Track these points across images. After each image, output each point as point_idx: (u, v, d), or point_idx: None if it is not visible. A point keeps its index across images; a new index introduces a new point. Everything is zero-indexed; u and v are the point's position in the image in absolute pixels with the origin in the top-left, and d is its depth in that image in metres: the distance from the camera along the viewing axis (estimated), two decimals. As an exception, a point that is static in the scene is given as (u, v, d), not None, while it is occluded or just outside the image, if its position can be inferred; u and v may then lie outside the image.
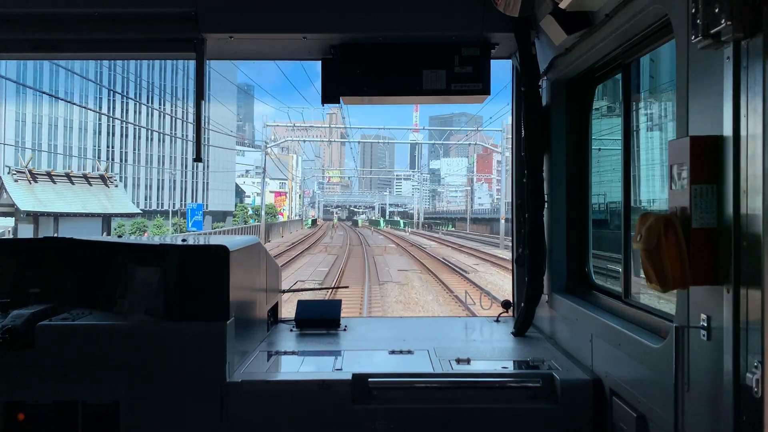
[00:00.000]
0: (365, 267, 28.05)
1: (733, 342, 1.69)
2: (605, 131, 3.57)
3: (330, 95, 3.78)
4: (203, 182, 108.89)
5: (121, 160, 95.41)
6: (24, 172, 34.16)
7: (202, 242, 3.42)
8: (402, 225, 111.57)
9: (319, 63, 3.87)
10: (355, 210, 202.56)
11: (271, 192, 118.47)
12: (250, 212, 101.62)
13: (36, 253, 3.48)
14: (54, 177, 36.02)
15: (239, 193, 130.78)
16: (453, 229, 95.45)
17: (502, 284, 21.46)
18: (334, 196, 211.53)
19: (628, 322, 2.70)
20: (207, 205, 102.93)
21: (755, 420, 1.62)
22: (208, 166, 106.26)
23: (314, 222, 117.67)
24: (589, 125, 3.51)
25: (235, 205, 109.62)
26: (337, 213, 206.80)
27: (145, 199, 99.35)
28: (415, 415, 2.83)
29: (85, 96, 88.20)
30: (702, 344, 1.88)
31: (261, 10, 3.54)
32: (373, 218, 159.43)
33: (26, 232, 32.52)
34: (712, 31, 1.66)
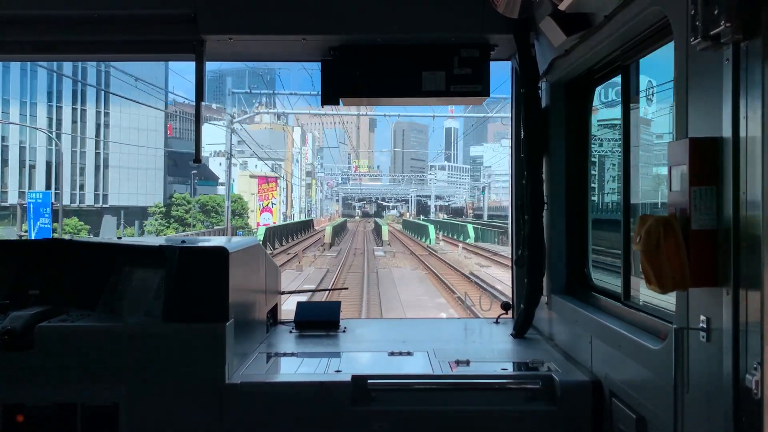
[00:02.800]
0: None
1: (733, 343, 1.69)
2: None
3: (329, 96, 3.78)
4: (96, 158, 62.37)
5: None
6: None
7: (201, 243, 3.42)
8: (471, 234, 49.18)
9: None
10: (385, 204, 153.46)
11: (252, 177, 78.79)
12: (196, 209, 63.49)
13: (36, 254, 3.48)
14: None
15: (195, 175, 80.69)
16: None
17: None
18: (348, 185, 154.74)
19: (627, 323, 2.69)
20: (107, 197, 63.06)
21: (755, 422, 1.62)
22: (107, 126, 59.34)
23: (304, 228, 62.98)
24: (589, 127, 3.51)
25: (171, 196, 64.97)
26: (361, 208, 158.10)
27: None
28: (414, 417, 2.83)
29: None
30: (701, 346, 1.88)
31: (260, 11, 3.54)
32: (410, 218, 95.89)
33: None
34: (711, 33, 1.66)
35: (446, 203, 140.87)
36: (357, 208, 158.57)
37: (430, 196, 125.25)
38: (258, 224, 65.12)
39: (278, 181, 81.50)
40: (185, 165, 74.22)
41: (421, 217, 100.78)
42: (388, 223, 70.06)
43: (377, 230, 63.27)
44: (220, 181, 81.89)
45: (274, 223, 66.70)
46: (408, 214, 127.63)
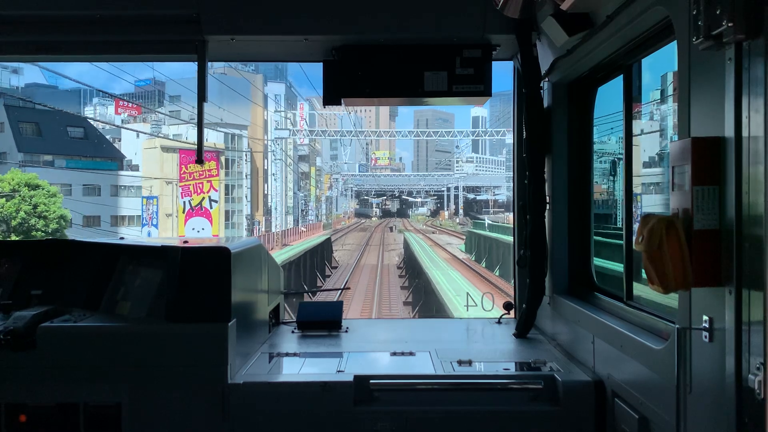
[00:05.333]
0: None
1: (735, 343, 1.69)
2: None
3: (332, 96, 3.79)
4: None
5: None
6: None
7: (203, 243, 3.42)
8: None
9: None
10: (411, 199, 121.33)
11: (166, 151, 47.20)
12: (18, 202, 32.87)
13: (38, 254, 3.49)
14: None
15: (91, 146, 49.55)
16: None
17: None
18: (358, 175, 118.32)
19: (629, 323, 2.69)
20: None
21: (757, 422, 1.61)
22: None
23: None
24: (591, 127, 3.51)
25: None
26: (380, 206, 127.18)
27: None
28: (416, 417, 2.83)
29: None
30: (704, 346, 1.87)
31: (263, 12, 3.54)
32: (462, 224, 65.75)
33: None
34: (713, 33, 1.66)
35: (492, 197, 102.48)
36: (374, 205, 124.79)
37: (481, 189, 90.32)
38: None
39: (222, 158, 46.76)
40: (60, 136, 46.83)
41: (487, 221, 50.90)
42: (438, 241, 35.91)
43: (411, 273, 26.77)
44: (129, 161, 53.77)
45: (216, 236, 37.69)
46: (446, 213, 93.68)
